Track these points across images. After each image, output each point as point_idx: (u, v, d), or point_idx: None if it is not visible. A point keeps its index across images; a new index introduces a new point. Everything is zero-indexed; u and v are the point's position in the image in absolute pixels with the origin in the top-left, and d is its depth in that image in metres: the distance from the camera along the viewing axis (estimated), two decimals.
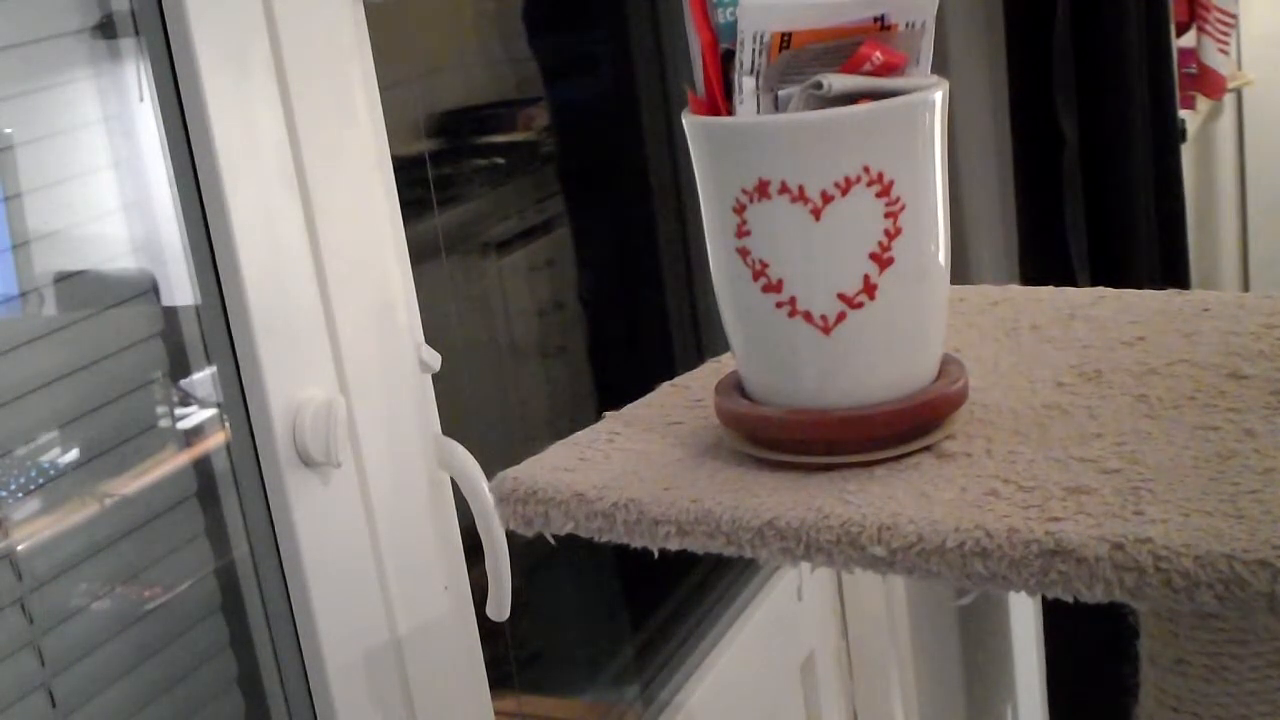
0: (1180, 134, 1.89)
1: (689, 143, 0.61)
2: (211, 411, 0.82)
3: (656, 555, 0.61)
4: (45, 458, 0.73)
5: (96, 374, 0.75)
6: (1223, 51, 2.80)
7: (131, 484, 0.78)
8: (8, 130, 0.72)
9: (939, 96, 0.59)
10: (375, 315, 0.87)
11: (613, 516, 0.61)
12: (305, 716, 0.85)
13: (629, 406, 0.72)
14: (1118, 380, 0.67)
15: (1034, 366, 0.70)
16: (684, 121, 0.61)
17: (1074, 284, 1.15)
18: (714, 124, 0.60)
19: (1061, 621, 1.88)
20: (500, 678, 1.13)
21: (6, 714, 0.69)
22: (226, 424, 0.82)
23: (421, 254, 1.01)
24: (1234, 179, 3.56)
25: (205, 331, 0.80)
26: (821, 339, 0.60)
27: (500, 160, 1.35)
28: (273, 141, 0.79)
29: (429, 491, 0.92)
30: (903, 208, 0.58)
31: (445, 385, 0.95)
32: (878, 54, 0.57)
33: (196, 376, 0.82)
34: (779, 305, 0.60)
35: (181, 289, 0.80)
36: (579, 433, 0.69)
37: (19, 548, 0.71)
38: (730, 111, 0.59)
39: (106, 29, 0.77)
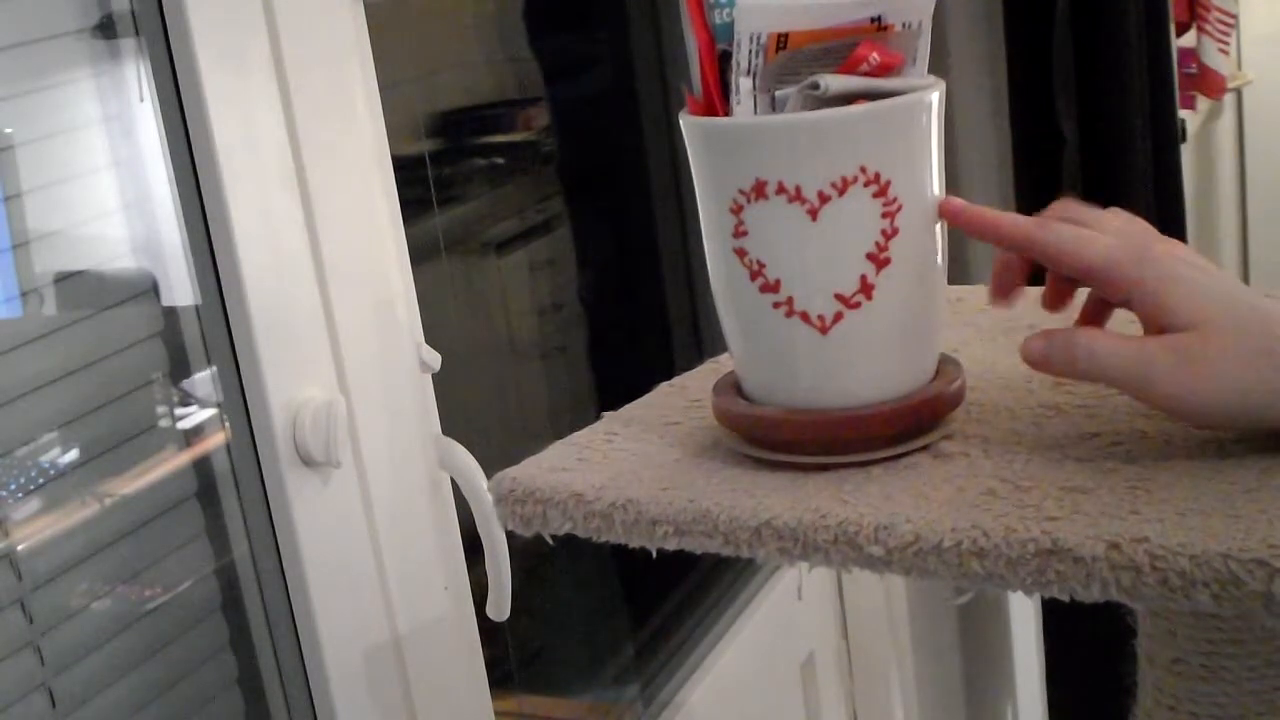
0: (1180, 134, 1.89)
1: (686, 143, 0.61)
2: (211, 411, 0.82)
3: (655, 555, 0.61)
4: (45, 458, 0.73)
5: (96, 374, 0.75)
6: (1223, 51, 2.80)
7: (131, 484, 0.78)
8: (8, 130, 0.72)
9: (936, 97, 0.59)
10: (375, 315, 0.87)
11: (611, 516, 0.61)
12: (305, 716, 0.85)
13: (627, 407, 0.72)
14: None
15: None
16: (681, 122, 0.61)
17: None
18: (711, 124, 0.60)
19: (1061, 621, 1.88)
20: (500, 678, 1.14)
21: (6, 714, 0.69)
22: (226, 424, 0.82)
23: (421, 254, 1.01)
24: (1234, 179, 3.56)
25: (205, 331, 0.80)
26: (819, 339, 0.60)
27: (500, 160, 1.35)
28: (273, 141, 0.79)
29: (429, 491, 0.92)
30: (900, 208, 0.58)
31: (445, 385, 0.95)
32: (874, 54, 0.58)
33: (196, 376, 0.82)
34: (776, 305, 0.60)
35: (181, 289, 0.80)
36: (577, 433, 0.69)
37: (19, 548, 0.71)
38: (727, 112, 0.59)
39: (106, 29, 0.77)
